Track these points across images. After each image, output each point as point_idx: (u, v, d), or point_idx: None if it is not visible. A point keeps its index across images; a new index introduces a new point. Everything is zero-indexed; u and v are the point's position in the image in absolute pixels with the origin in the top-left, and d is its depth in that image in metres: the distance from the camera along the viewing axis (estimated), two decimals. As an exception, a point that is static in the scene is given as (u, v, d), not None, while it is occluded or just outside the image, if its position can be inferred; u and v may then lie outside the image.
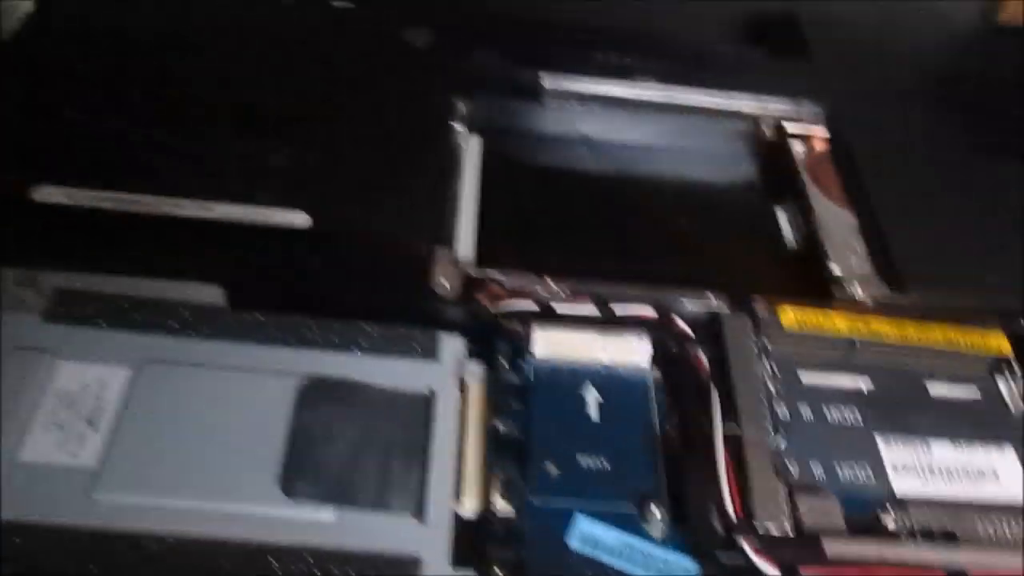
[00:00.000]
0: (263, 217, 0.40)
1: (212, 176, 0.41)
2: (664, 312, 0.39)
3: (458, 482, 0.34)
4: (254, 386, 0.35)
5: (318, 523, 0.32)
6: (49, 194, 0.40)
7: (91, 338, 0.36)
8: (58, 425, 0.33)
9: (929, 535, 0.35)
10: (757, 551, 0.32)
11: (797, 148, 0.50)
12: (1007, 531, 0.35)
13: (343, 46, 0.50)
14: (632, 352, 0.39)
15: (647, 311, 0.39)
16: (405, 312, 0.39)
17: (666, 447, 0.36)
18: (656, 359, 0.39)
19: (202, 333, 0.37)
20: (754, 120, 0.51)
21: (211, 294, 0.38)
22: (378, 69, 0.49)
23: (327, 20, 0.53)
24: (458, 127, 0.47)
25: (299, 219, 0.40)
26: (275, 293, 0.38)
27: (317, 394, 0.35)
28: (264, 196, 0.41)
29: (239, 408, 0.35)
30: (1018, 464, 0.38)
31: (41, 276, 0.37)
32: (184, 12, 0.51)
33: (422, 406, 0.36)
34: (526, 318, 0.39)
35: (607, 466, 0.35)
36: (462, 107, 0.48)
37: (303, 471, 0.33)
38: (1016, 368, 0.41)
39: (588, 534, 0.33)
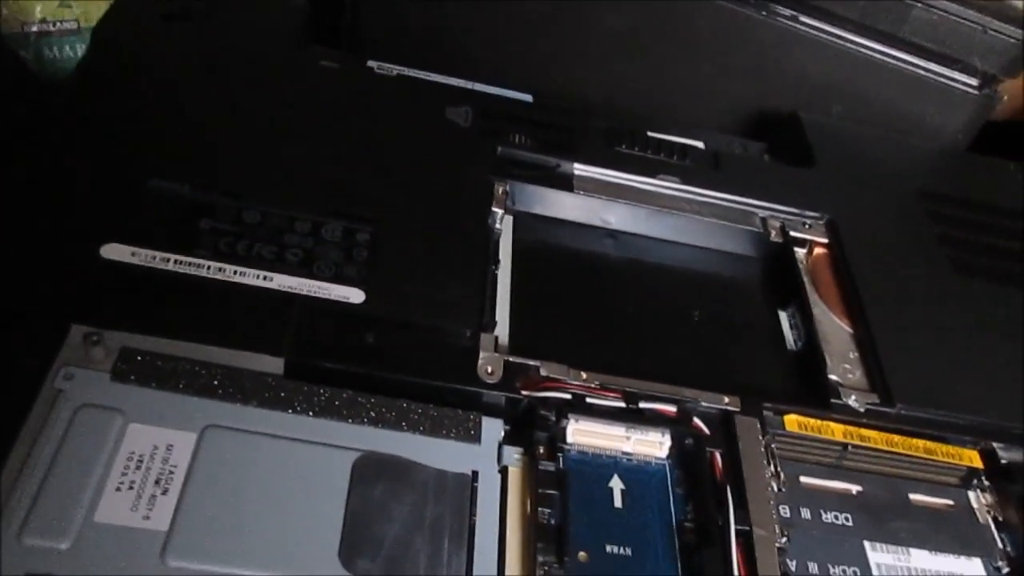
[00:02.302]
0: (320, 290, 0.43)
1: (270, 245, 0.44)
2: (686, 412, 0.43)
3: (501, 564, 0.37)
4: (313, 458, 0.38)
5: (374, 598, 0.35)
6: (116, 252, 0.42)
7: (157, 400, 0.38)
8: (130, 487, 0.35)
9: (907, 634, 0.39)
10: (764, 645, 0.36)
11: (800, 253, 0.54)
12: (974, 635, 0.40)
13: (389, 119, 0.53)
14: (654, 445, 0.42)
15: (670, 409, 0.43)
16: (448, 394, 0.42)
17: (682, 537, 0.40)
18: (673, 452, 0.43)
19: (262, 402, 0.39)
20: (762, 223, 0.55)
21: (270, 364, 0.40)
22: (423, 145, 0.52)
23: (371, 89, 0.56)
24: (496, 209, 0.50)
25: (354, 295, 0.43)
26: (331, 368, 0.41)
27: (372, 469, 0.38)
28: (320, 270, 0.43)
29: (299, 479, 0.37)
30: (984, 572, 0.43)
31: (108, 334, 0.39)
32: (233, 75, 0.53)
33: (467, 487, 0.39)
34: (559, 406, 0.42)
35: (630, 554, 0.39)
36: (499, 189, 0.51)
37: (361, 546, 0.36)
38: (985, 482, 0.46)
39: (616, 621, 0.37)
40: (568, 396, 0.42)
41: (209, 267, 0.42)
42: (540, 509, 0.38)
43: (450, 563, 0.36)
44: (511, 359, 0.43)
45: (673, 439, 0.43)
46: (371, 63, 0.59)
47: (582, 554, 0.38)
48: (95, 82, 0.50)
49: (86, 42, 0.71)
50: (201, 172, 0.46)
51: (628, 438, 0.42)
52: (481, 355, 0.43)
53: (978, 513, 0.45)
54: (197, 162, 0.47)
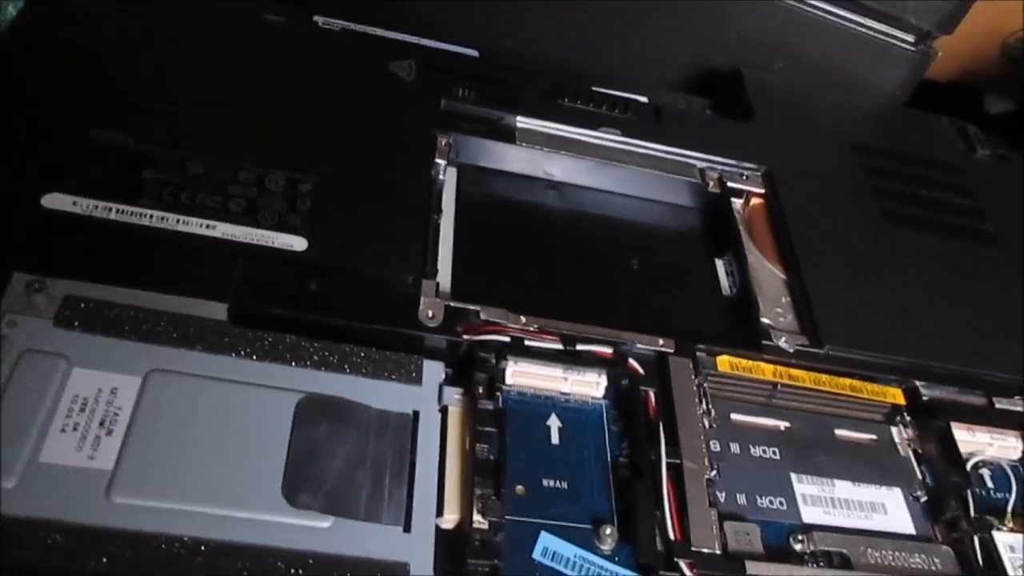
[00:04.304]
0: (263, 239, 0.43)
1: (214, 195, 0.44)
2: (621, 353, 0.45)
3: (440, 497, 0.38)
4: (256, 400, 0.39)
5: (317, 530, 0.36)
6: (58, 201, 0.42)
7: (101, 345, 0.38)
8: (74, 428, 0.36)
9: (828, 558, 0.42)
10: (692, 570, 0.38)
11: (737, 203, 0.56)
12: (891, 558, 0.42)
13: (332, 73, 0.53)
14: (590, 386, 0.44)
15: (606, 351, 0.45)
16: (391, 338, 0.43)
17: (616, 471, 0.42)
18: (609, 392, 0.44)
19: (207, 347, 0.40)
20: (701, 174, 0.56)
21: (214, 310, 0.41)
22: (366, 98, 0.52)
23: (315, 43, 0.56)
24: (439, 161, 0.51)
25: (298, 243, 0.44)
26: (275, 313, 0.41)
27: (314, 410, 0.39)
28: (263, 219, 0.44)
29: (243, 419, 0.38)
30: (903, 500, 0.45)
31: (51, 282, 0.39)
32: (177, 27, 0.53)
33: (408, 426, 0.40)
34: (499, 349, 0.43)
35: (566, 487, 0.40)
36: (442, 141, 0.52)
37: (304, 482, 0.37)
38: (907, 418, 0.48)
39: (549, 548, 0.38)
40: (507, 339, 0.44)
41: (152, 216, 0.43)
42: (478, 445, 0.40)
43: (391, 497, 0.38)
44: (452, 304, 0.44)
45: (609, 379, 0.44)
46: (317, 18, 0.59)
47: (519, 487, 0.40)
48: (35, 31, 0.50)
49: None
50: (145, 123, 0.46)
51: (566, 379, 0.44)
52: (422, 300, 0.44)
53: (899, 447, 0.48)
54: (140, 114, 0.47)
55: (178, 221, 0.43)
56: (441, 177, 0.51)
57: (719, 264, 0.54)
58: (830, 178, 0.59)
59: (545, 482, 0.40)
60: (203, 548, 0.34)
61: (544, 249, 0.52)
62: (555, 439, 0.42)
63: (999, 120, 0.84)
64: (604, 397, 0.44)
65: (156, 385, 0.38)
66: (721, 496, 0.42)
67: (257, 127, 0.49)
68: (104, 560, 0.33)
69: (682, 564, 0.38)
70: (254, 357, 0.40)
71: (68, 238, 0.41)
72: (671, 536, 0.39)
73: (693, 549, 0.39)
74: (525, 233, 0.53)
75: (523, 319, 0.44)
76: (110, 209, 0.42)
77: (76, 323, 0.39)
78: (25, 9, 0.52)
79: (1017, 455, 0.49)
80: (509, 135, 0.54)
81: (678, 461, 0.41)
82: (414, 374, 0.42)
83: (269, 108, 0.50)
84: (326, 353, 0.41)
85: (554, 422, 0.43)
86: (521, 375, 0.43)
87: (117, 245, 0.42)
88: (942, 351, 0.50)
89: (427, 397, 0.41)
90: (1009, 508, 0.46)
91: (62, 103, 0.46)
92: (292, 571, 0.35)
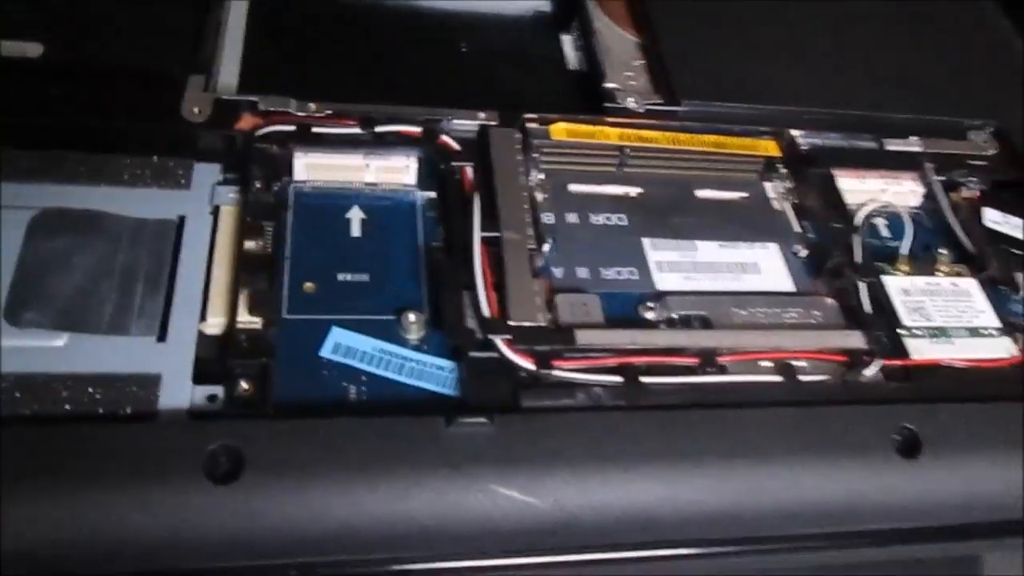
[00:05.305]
0: (-11, 49, 0.37)
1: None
2: (430, 130, 0.38)
3: (205, 302, 0.33)
4: (-19, 222, 0.33)
5: (49, 349, 0.31)
6: None
7: None
8: None
9: (687, 323, 0.36)
10: (511, 346, 0.33)
11: (586, -27, 0.49)
12: (760, 315, 0.37)
13: None
14: (398, 171, 0.38)
15: (413, 129, 0.38)
16: (158, 142, 0.37)
17: (431, 261, 0.36)
18: (426, 178, 0.38)
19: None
20: (545, -55, 0.49)
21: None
22: None
23: None
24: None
25: (30, 49, 0.37)
26: (18, 128, 0.35)
27: (51, 225, 0.33)
28: (-7, 28, 0.38)
29: (-37, 246, 0.32)
30: (780, 257, 0.39)
31: None
32: None
33: (170, 233, 0.34)
34: (286, 142, 0.37)
35: (367, 280, 0.35)
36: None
37: (31, 300, 0.31)
38: (783, 170, 0.42)
39: (341, 344, 0.33)
40: (291, 128, 0.37)
41: None
42: (250, 242, 0.34)
43: (143, 307, 0.32)
44: (223, 97, 0.38)
45: (420, 163, 0.38)
46: None
47: (308, 284, 0.34)
48: None
49: None
50: None
51: (367, 166, 0.38)
52: (187, 95, 0.37)
53: (775, 201, 0.41)
54: None
55: None
56: (227, -31, 0.44)
57: (565, 40, 0.47)
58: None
59: (341, 276, 0.35)
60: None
61: (359, 39, 0.46)
62: (356, 232, 0.36)
63: None
64: (416, 182, 0.38)
65: None
66: (558, 272, 0.37)
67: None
68: None
69: (497, 341, 0.33)
70: (-14, 178, 0.34)
71: None
72: (486, 314, 0.33)
73: (511, 324, 0.33)
74: (338, 23, 0.46)
75: (312, 106, 0.38)
76: None
77: None
78: None
79: (916, 200, 0.43)
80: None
81: (496, 234, 0.36)
82: (183, 180, 0.36)
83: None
84: (76, 165, 0.35)
85: (355, 214, 0.37)
86: (315, 169, 0.37)
87: None
88: (820, 95, 0.44)
89: (196, 200, 0.36)
90: (904, 252, 0.40)
91: None
92: (22, 396, 0.29)
